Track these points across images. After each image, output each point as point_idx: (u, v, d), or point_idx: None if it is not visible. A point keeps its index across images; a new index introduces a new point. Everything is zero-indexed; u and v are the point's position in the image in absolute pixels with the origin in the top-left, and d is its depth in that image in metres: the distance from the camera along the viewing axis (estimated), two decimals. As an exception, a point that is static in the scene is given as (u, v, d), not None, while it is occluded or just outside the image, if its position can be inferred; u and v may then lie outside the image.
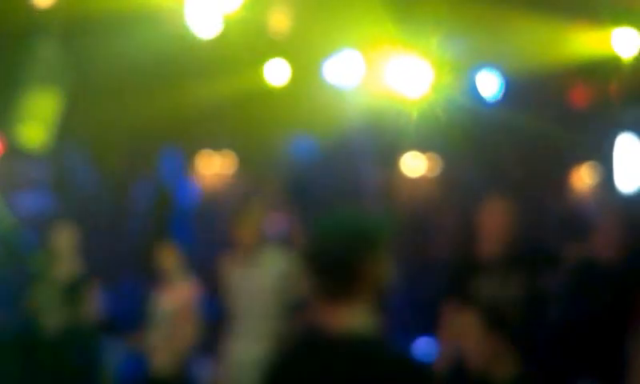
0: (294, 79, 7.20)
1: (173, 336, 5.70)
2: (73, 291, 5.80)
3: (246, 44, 6.76)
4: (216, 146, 8.57)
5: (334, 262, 2.11)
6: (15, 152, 7.02)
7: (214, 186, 8.63)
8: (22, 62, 6.51)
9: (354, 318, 2.12)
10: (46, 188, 7.53)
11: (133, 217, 8.21)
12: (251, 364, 5.02)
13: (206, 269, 6.05)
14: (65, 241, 5.81)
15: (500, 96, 6.99)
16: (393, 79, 6.52)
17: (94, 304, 5.87)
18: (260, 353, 5.03)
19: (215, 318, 5.55)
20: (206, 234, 7.86)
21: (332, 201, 8.10)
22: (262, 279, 5.13)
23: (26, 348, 5.85)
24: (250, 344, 5.09)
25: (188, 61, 6.76)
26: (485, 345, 3.57)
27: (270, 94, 7.29)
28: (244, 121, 7.92)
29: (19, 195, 7.18)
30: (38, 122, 6.67)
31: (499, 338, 3.63)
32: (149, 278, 6.05)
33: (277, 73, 7.19)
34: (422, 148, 8.12)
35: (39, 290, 5.84)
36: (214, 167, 8.67)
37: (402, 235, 7.91)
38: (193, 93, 7.20)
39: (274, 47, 7.00)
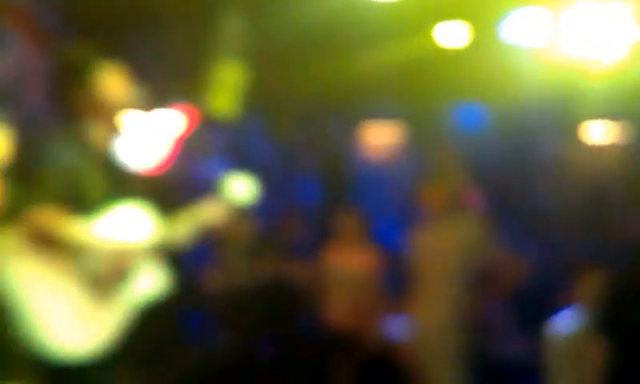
0: (471, 41, 6.80)
1: (355, 300, 5.84)
2: (259, 251, 6.18)
3: (419, 4, 6.46)
4: (385, 114, 8.35)
5: None
6: (205, 122, 7.28)
7: (383, 155, 8.45)
8: (210, 35, 6.70)
9: None
10: (228, 156, 7.72)
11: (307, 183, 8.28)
12: (435, 328, 4.98)
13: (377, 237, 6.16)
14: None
15: None
16: (584, 39, 6.00)
17: (278, 265, 6.21)
18: (443, 318, 4.96)
19: (397, 284, 5.57)
20: (375, 203, 7.77)
21: (505, 171, 7.80)
22: (449, 244, 5.02)
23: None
24: (434, 309, 5.01)
25: (363, 25, 6.56)
26: None
27: (443, 57, 6.94)
28: (415, 87, 7.63)
29: (206, 163, 7.48)
30: (226, 92, 6.82)
31: None
32: (325, 240, 6.15)
33: (452, 34, 6.81)
34: (611, 115, 7.55)
35: (226, 250, 6.22)
36: (382, 136, 8.47)
37: (585, 210, 7.46)
38: (365, 59, 7.01)
39: (450, 6, 6.62)
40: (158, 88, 6.84)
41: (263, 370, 6.07)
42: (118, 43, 4.11)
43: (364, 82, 7.45)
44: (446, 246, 5.01)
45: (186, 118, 7.31)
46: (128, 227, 3.19)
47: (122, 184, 3.27)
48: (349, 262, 5.94)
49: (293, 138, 8.43)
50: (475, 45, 6.84)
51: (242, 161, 7.79)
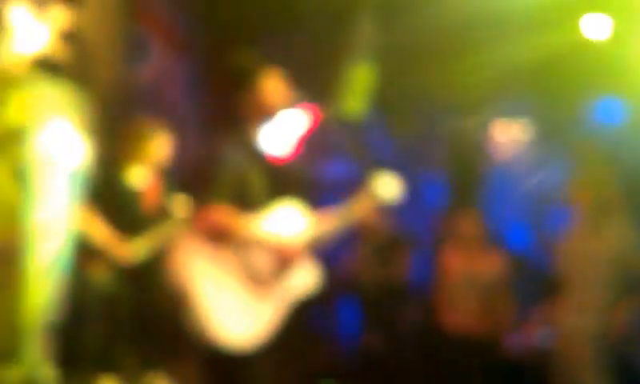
0: (614, 33, 6.51)
1: (483, 304, 5.73)
2: (388, 251, 6.21)
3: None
4: (518, 111, 8.11)
5: None
6: (332, 121, 7.32)
7: (514, 154, 8.20)
8: (343, 38, 6.77)
9: None
10: (351, 155, 7.72)
11: (429, 183, 8.15)
12: (581, 337, 4.71)
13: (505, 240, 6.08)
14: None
15: None
16: None
17: (406, 265, 6.27)
18: (591, 327, 4.68)
19: (526, 287, 5.44)
20: (505, 204, 7.54)
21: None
22: (602, 249, 4.73)
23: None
24: (581, 316, 4.72)
25: (502, 20, 6.38)
26: None
27: (586, 50, 6.67)
28: (553, 81, 7.37)
29: (331, 162, 7.58)
30: (357, 93, 6.86)
31: None
32: (450, 242, 6.05)
33: (596, 27, 6.53)
34: None
35: (362, 246, 6.28)
36: (514, 134, 8.23)
37: None
38: (501, 54, 6.81)
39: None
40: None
41: (391, 369, 6.10)
42: (253, 45, 4.14)
43: (498, 78, 7.25)
44: (598, 250, 4.74)
45: (311, 117, 7.36)
46: (287, 225, 3.32)
47: (279, 183, 3.39)
48: (474, 266, 5.81)
49: (419, 137, 8.34)
50: (618, 37, 6.55)
51: (369, 160, 7.78)
